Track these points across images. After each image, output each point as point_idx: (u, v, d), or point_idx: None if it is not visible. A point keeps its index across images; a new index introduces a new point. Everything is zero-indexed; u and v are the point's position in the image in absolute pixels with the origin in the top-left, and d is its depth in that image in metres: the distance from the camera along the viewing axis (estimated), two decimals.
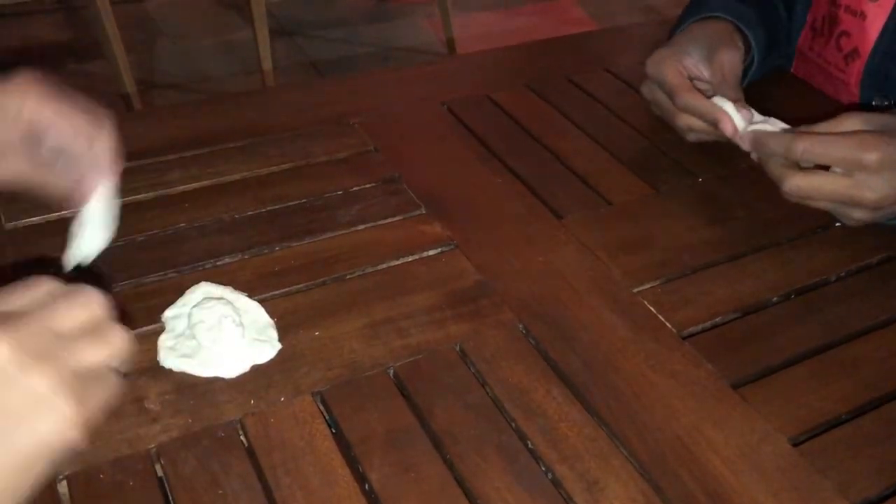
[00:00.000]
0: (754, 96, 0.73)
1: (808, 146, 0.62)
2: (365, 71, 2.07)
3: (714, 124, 0.69)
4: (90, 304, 0.38)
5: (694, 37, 0.77)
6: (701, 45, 0.76)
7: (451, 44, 2.46)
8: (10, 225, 0.64)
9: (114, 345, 0.38)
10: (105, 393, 0.37)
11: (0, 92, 0.53)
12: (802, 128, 0.65)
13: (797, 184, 0.63)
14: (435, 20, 2.57)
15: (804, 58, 0.89)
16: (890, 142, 0.61)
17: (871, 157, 0.60)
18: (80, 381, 0.35)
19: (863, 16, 0.80)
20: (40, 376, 0.34)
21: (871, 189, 0.61)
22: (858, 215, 0.64)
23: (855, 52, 0.82)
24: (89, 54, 2.30)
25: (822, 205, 0.65)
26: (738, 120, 0.68)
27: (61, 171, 0.54)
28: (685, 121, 0.73)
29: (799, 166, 0.64)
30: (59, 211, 0.63)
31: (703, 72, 0.75)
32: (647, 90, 0.77)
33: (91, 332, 0.37)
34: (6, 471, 0.33)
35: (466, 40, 2.49)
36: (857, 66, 0.81)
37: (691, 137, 0.74)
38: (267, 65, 2.08)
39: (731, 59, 0.75)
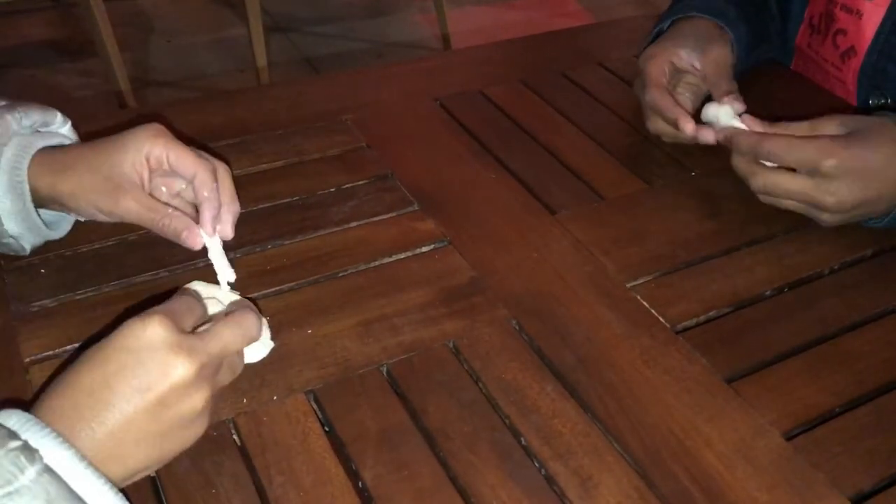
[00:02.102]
0: (756, 94, 0.73)
1: (772, 148, 0.64)
2: (359, 67, 2.06)
3: (675, 125, 0.71)
4: (249, 332, 0.47)
5: (684, 33, 0.78)
6: (692, 40, 0.77)
7: (446, 39, 2.45)
8: None
9: (238, 371, 0.49)
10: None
11: (125, 133, 0.57)
12: (779, 126, 0.66)
13: (763, 182, 0.65)
14: (429, 15, 2.56)
15: (803, 55, 0.90)
16: (850, 148, 0.62)
17: (829, 162, 0.62)
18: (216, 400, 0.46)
19: (859, 14, 0.80)
20: (201, 398, 0.43)
21: (830, 193, 0.63)
22: (825, 217, 0.65)
23: (851, 50, 0.82)
24: (83, 52, 2.29)
25: (790, 205, 0.66)
26: (736, 123, 0.69)
27: (177, 211, 0.57)
28: (653, 124, 0.75)
29: (766, 166, 0.65)
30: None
31: (696, 64, 0.76)
32: (638, 84, 0.77)
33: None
34: (152, 463, 0.43)
35: (461, 35, 2.49)
36: (854, 64, 0.81)
37: (665, 139, 0.76)
38: (261, 61, 2.07)
39: (721, 53, 0.77)
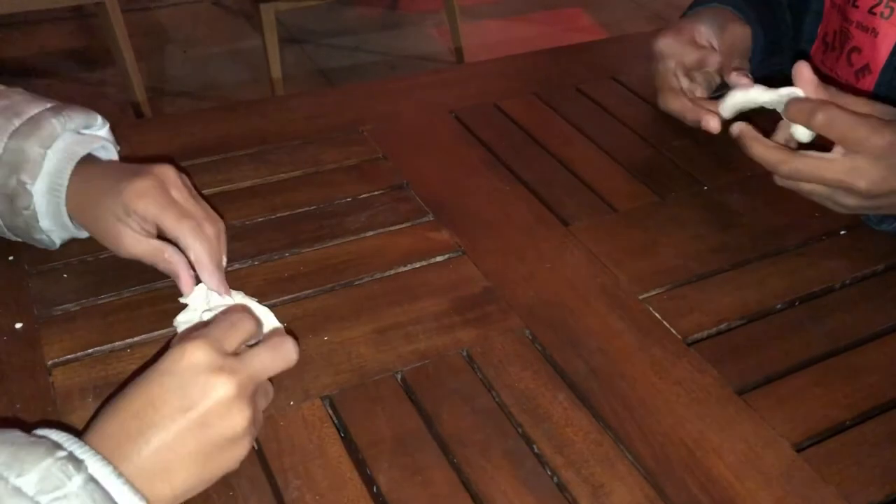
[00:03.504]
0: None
1: (828, 118, 0.63)
2: (373, 79, 2.08)
3: (698, 125, 0.74)
4: (287, 357, 0.48)
5: (703, 16, 0.80)
6: (711, 21, 0.79)
7: (459, 52, 2.47)
8: None
9: (270, 395, 0.50)
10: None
11: (123, 185, 0.56)
12: (824, 92, 0.65)
13: (796, 166, 0.64)
14: (443, 28, 2.58)
15: (816, 72, 0.90)
16: None
17: (878, 141, 0.61)
18: (258, 423, 0.47)
19: (874, 32, 0.81)
20: (243, 418, 0.44)
21: (863, 176, 0.62)
22: (849, 202, 0.64)
23: (866, 69, 0.82)
24: (100, 62, 2.32)
25: (812, 188, 0.65)
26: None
27: (170, 258, 0.57)
28: (665, 102, 0.78)
29: (797, 150, 0.65)
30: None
31: (714, 42, 0.78)
32: (658, 58, 0.79)
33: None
34: (198, 484, 0.44)
35: (474, 48, 2.50)
36: (869, 82, 0.82)
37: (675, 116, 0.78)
38: (276, 73, 2.09)
39: (741, 32, 0.79)
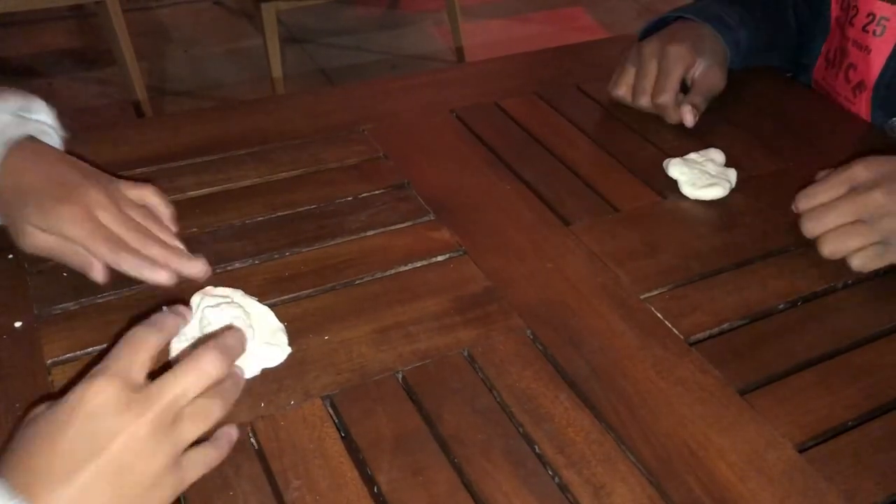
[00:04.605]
0: (780, 113, 0.74)
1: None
2: (374, 78, 2.08)
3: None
4: (206, 371, 0.44)
5: (701, 45, 0.81)
6: (707, 55, 0.81)
7: (460, 51, 2.47)
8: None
9: (230, 398, 0.46)
10: (206, 461, 0.45)
11: (57, 203, 0.57)
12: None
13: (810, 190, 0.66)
14: (444, 28, 2.58)
15: (820, 87, 0.91)
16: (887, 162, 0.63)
17: (863, 173, 0.63)
18: (187, 457, 0.43)
19: (867, 50, 0.81)
20: (163, 456, 0.41)
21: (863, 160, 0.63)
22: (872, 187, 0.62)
23: (861, 85, 0.83)
24: (101, 61, 2.32)
25: (864, 236, 0.63)
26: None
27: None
28: (620, 90, 0.83)
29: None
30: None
31: (696, 78, 0.81)
32: (633, 54, 0.82)
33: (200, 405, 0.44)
34: None
35: (475, 48, 2.50)
36: (865, 98, 0.82)
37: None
38: (277, 72, 2.09)
39: (714, 79, 0.81)
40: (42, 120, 0.61)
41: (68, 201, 0.56)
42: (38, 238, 0.57)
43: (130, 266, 0.57)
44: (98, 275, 0.58)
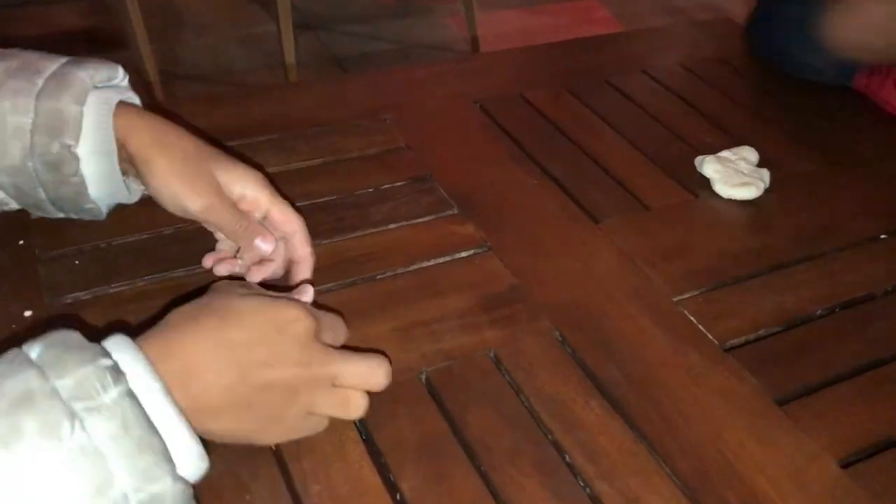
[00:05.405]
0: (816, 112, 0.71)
1: None
2: (387, 67, 2.05)
3: None
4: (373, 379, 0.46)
5: None
6: None
7: (474, 42, 2.44)
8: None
9: (346, 414, 0.47)
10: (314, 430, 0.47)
11: (235, 161, 0.56)
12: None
13: None
14: (457, 17, 2.55)
15: (862, 90, 0.87)
16: None
17: None
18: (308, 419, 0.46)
19: None
20: (300, 407, 0.44)
21: None
22: None
23: None
24: (112, 43, 2.30)
25: None
26: None
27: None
28: None
29: None
30: None
31: None
32: None
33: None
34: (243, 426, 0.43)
35: (489, 38, 2.47)
36: None
37: None
38: (290, 59, 2.07)
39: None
40: (123, 86, 0.58)
41: (241, 165, 0.56)
42: (213, 198, 0.54)
43: (301, 238, 0.57)
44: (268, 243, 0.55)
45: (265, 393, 0.42)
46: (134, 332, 0.41)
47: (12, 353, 0.37)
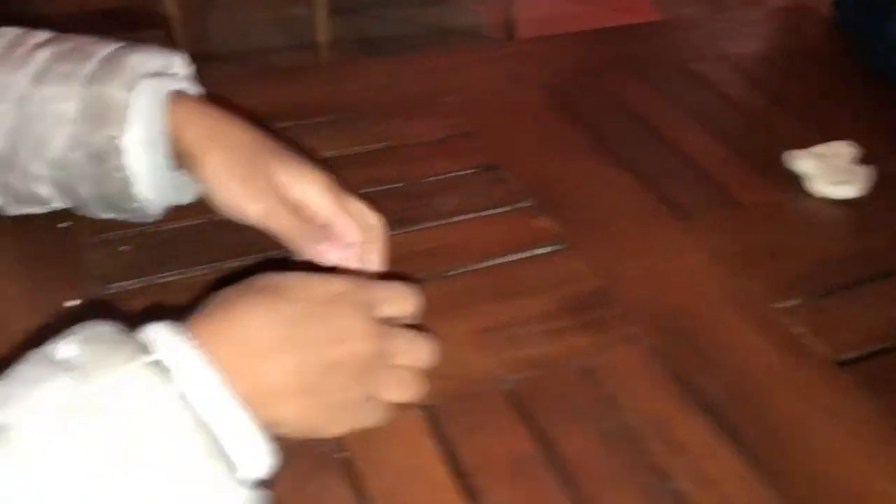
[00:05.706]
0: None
1: None
2: (418, 52, 1.99)
3: None
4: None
5: None
6: None
7: (510, 27, 2.38)
8: None
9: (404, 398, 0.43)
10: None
11: (297, 160, 0.50)
12: None
13: None
14: (489, 3, 2.49)
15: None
16: None
17: None
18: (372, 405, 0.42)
19: None
20: (361, 389, 0.40)
21: None
22: None
23: None
24: (143, 23, 2.25)
25: None
26: None
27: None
28: None
29: None
30: None
31: None
32: None
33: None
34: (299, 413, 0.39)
35: (524, 23, 2.41)
36: None
37: None
38: (322, 38, 2.02)
39: None
40: (181, 75, 0.54)
41: (302, 162, 0.51)
42: (275, 213, 0.48)
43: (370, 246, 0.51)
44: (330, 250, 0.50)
45: (331, 373, 0.39)
46: (172, 316, 0.37)
47: (45, 352, 0.33)
